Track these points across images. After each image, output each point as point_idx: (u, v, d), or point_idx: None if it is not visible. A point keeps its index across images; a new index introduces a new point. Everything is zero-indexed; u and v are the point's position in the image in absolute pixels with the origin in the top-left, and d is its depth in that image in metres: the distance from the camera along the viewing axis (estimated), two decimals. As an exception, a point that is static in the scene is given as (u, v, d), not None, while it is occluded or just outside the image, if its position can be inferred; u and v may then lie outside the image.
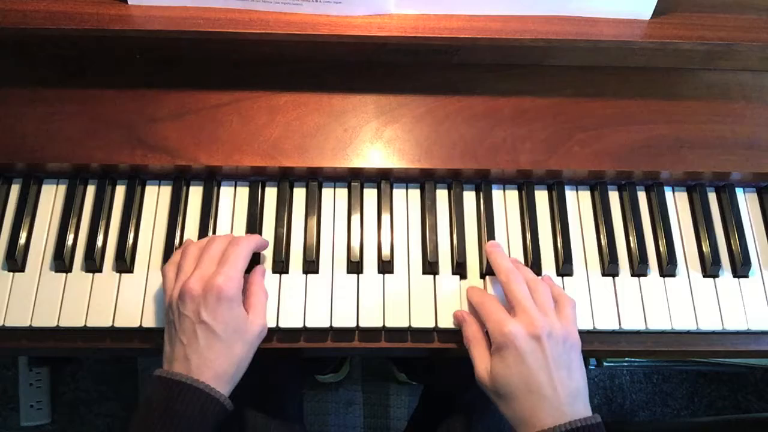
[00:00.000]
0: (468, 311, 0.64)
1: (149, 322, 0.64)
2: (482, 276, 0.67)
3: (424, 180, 0.70)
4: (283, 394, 0.82)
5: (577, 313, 0.62)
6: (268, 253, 0.67)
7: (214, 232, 0.68)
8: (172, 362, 0.57)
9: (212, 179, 0.70)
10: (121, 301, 0.65)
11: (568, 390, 0.56)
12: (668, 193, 0.72)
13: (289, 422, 0.79)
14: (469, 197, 0.71)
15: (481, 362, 0.59)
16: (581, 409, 0.56)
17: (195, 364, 0.56)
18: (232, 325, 0.58)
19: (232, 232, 0.68)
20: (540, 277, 0.66)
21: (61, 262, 0.66)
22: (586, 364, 1.34)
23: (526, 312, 0.58)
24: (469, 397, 0.80)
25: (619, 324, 0.65)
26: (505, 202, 0.71)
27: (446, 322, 0.64)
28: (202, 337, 0.57)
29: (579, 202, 0.71)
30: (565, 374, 0.56)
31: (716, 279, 0.68)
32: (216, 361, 0.57)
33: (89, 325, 0.64)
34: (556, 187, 0.71)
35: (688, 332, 0.67)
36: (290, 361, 0.86)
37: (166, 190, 0.70)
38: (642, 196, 0.71)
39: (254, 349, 0.60)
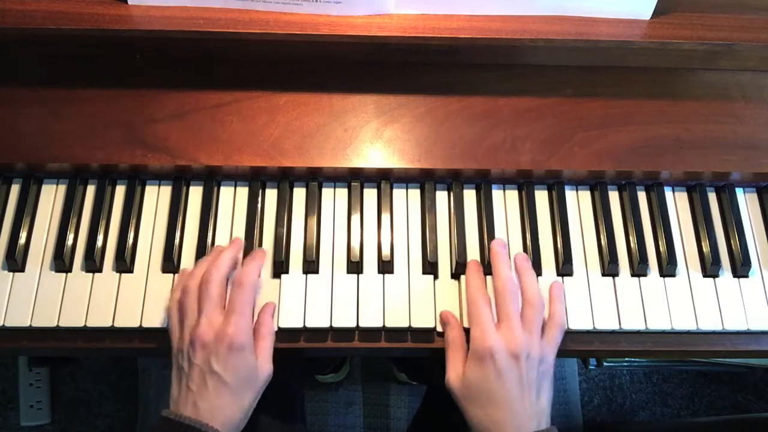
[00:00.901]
0: (453, 314, 0.64)
1: (149, 322, 0.64)
2: (482, 276, 0.67)
3: (424, 180, 0.70)
4: (285, 394, 0.82)
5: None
6: (268, 254, 0.67)
7: (214, 232, 0.68)
8: (179, 406, 0.57)
9: (212, 179, 0.70)
10: (121, 301, 0.65)
11: (535, 409, 0.58)
12: (668, 193, 0.72)
13: (291, 422, 0.79)
14: (469, 197, 0.71)
15: (455, 368, 0.61)
16: (543, 425, 0.59)
17: (204, 411, 0.56)
18: (243, 374, 0.58)
19: (232, 232, 0.68)
20: (555, 282, 0.66)
21: (61, 262, 0.66)
22: (586, 364, 1.35)
23: (510, 328, 0.59)
24: None
25: (619, 324, 0.65)
26: (505, 202, 0.71)
27: (446, 322, 0.64)
28: (212, 387, 0.57)
29: (579, 202, 0.71)
30: (534, 395, 0.59)
31: (716, 279, 0.68)
32: (225, 410, 0.57)
33: (89, 325, 0.64)
34: (556, 187, 0.71)
35: (688, 332, 0.66)
36: (292, 362, 0.86)
37: (166, 190, 0.70)
38: (642, 196, 0.71)
39: (260, 395, 0.61)
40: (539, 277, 0.67)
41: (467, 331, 0.62)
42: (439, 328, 0.64)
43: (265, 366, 0.60)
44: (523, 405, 0.58)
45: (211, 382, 0.57)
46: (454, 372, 0.61)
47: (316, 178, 0.70)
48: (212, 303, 0.59)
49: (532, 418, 0.58)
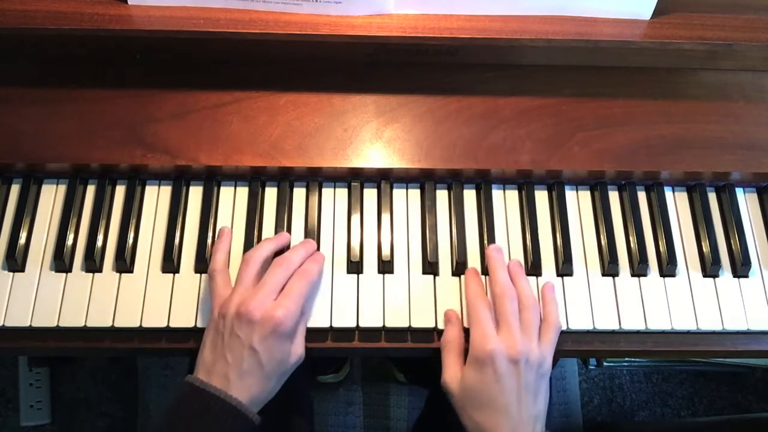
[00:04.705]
0: (457, 314, 0.64)
1: (149, 322, 0.64)
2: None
3: (424, 180, 0.70)
4: (295, 393, 0.82)
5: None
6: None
7: (214, 232, 0.68)
8: (211, 374, 0.58)
9: (212, 179, 0.70)
10: (121, 301, 0.65)
11: (531, 413, 0.59)
12: (668, 193, 0.72)
13: (300, 417, 0.79)
14: (469, 197, 0.71)
15: (452, 369, 0.61)
16: (538, 430, 0.59)
17: (233, 384, 0.57)
18: (278, 359, 0.59)
19: (231, 231, 0.68)
20: (546, 284, 0.66)
21: (61, 262, 0.66)
22: (586, 364, 1.35)
23: (510, 332, 0.60)
24: None
25: (619, 324, 0.65)
26: (505, 202, 0.71)
27: (446, 322, 0.64)
28: (247, 363, 0.57)
29: (579, 202, 0.71)
30: (532, 399, 0.59)
31: (716, 279, 0.68)
32: (253, 388, 0.58)
33: (89, 325, 0.64)
34: (556, 187, 0.71)
35: (688, 332, 0.66)
36: (303, 362, 0.86)
37: (166, 190, 0.70)
38: (642, 196, 0.71)
39: (285, 379, 0.62)
40: (539, 278, 0.68)
41: (467, 332, 0.62)
42: (442, 325, 0.64)
43: (298, 350, 0.61)
44: (520, 409, 0.58)
45: (248, 358, 0.57)
46: (452, 373, 0.61)
47: (316, 178, 0.70)
48: (275, 284, 0.60)
49: (529, 422, 0.58)
